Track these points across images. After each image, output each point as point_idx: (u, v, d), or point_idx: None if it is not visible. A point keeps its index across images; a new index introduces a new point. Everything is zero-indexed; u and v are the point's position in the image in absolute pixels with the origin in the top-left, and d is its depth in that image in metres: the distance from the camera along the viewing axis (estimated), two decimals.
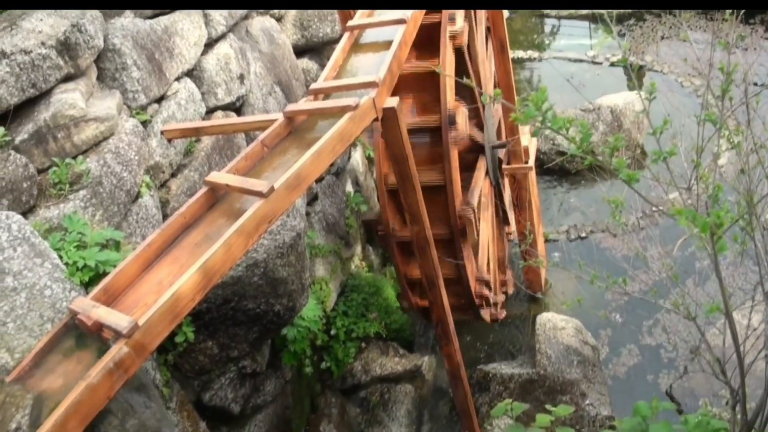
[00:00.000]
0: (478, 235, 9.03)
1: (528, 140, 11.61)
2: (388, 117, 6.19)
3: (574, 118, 3.55)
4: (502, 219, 11.10)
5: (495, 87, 10.67)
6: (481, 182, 9.41)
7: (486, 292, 9.36)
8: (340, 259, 10.01)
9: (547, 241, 12.60)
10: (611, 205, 4.10)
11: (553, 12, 22.50)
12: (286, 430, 8.63)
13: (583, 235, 13.06)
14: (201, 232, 5.44)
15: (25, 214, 5.60)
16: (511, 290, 11.36)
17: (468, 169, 9.38)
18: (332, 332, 9.58)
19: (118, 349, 4.60)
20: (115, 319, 4.72)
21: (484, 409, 9.80)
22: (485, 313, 9.88)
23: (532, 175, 11.59)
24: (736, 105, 3.97)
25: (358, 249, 10.93)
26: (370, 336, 9.96)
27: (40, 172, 5.90)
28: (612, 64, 19.02)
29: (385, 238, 9.29)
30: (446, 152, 8.44)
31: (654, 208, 12.41)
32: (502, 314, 10.76)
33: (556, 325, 10.06)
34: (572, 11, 22.10)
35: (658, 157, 3.67)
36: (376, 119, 6.05)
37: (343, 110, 5.83)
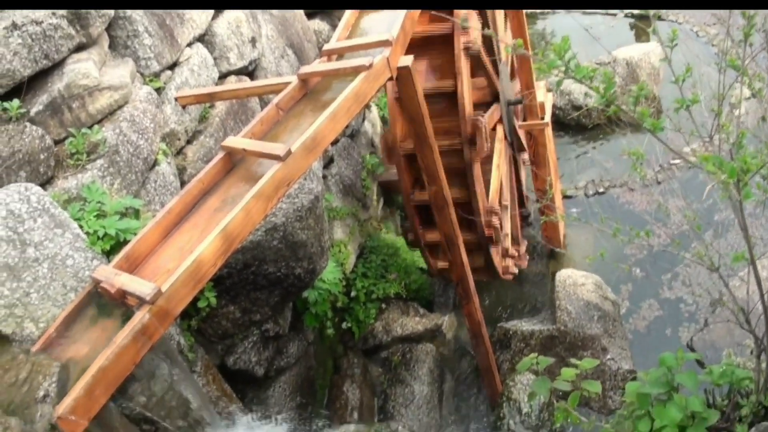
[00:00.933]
0: (488, 148, 8.91)
1: (544, 96, 11.50)
2: (403, 76, 6.14)
3: (596, 68, 3.49)
4: (517, 196, 11.07)
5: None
6: (496, 115, 9.35)
7: (496, 221, 9.26)
8: (358, 221, 10.00)
9: (565, 197, 12.53)
10: (631, 158, 4.05)
11: None
12: (310, 391, 8.70)
13: (601, 190, 12.97)
14: (220, 197, 5.44)
15: (43, 185, 5.62)
16: (525, 265, 11.30)
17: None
18: (352, 294, 9.61)
19: (142, 316, 4.63)
20: (138, 285, 4.75)
21: (505, 366, 9.83)
22: (496, 259, 9.78)
23: (549, 131, 11.48)
24: (757, 50, 3.90)
25: (375, 210, 10.92)
26: (390, 297, 9.99)
27: (56, 143, 5.90)
28: (626, 16, 18.73)
29: (405, 201, 9.29)
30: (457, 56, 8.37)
31: (672, 161, 12.31)
32: (515, 271, 10.73)
33: (576, 281, 10.03)
34: None
35: (680, 105, 3.61)
36: (390, 79, 6.01)
37: (357, 70, 5.78)
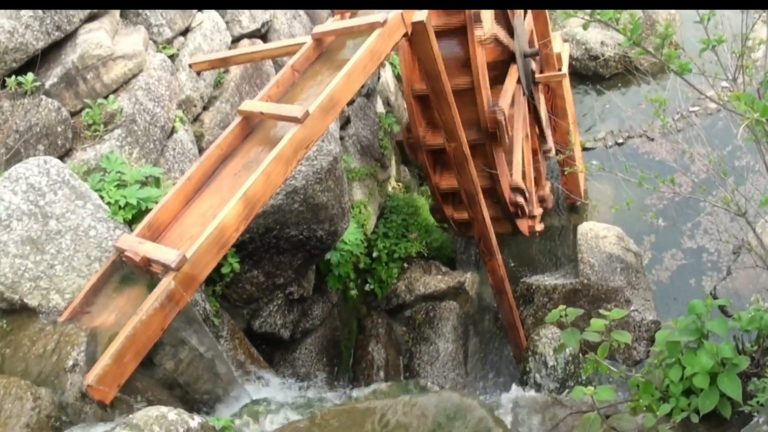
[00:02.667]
0: (510, 137, 8.87)
1: (560, 46, 11.33)
2: (418, 32, 6.06)
3: (620, 12, 3.41)
4: (539, 135, 10.94)
5: None
6: (512, 88, 9.23)
7: (520, 200, 9.25)
8: (376, 182, 9.97)
9: (584, 149, 12.41)
10: (653, 105, 3.98)
11: None
12: (336, 353, 8.75)
13: (621, 141, 12.83)
14: (239, 162, 5.43)
15: (62, 157, 5.63)
16: (550, 205, 11.25)
17: (499, 81, 9.19)
18: (374, 254, 9.61)
19: (167, 283, 4.65)
20: (163, 253, 4.76)
21: (529, 321, 9.82)
22: (522, 225, 9.81)
23: (566, 83, 11.33)
24: None
25: (394, 170, 10.87)
26: (412, 256, 9.98)
27: (73, 114, 5.90)
28: None
29: (414, 147, 9.20)
30: (472, 52, 8.27)
31: (692, 109, 12.16)
32: (540, 227, 10.69)
33: (598, 234, 9.96)
34: None
35: (706, 45, 3.53)
36: (405, 35, 5.93)
37: (372, 27, 5.72)
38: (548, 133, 11.15)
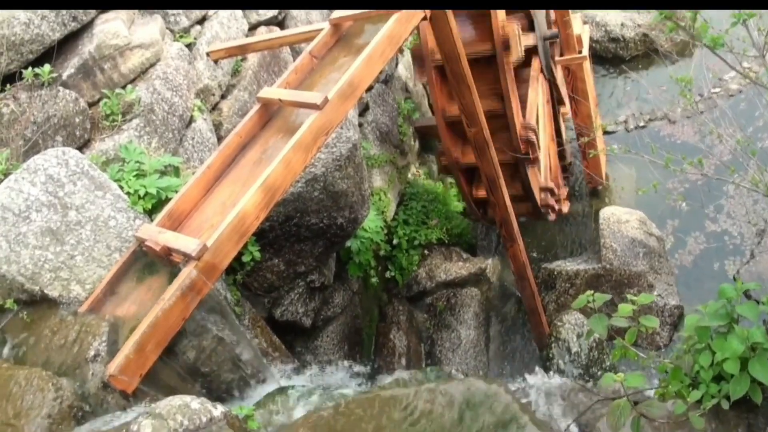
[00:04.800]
0: (539, 150, 8.86)
1: (581, 28, 11.21)
2: (437, 15, 5.99)
3: None
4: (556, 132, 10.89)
5: None
6: (535, 101, 9.19)
7: (552, 201, 9.24)
8: (396, 169, 9.92)
9: (605, 132, 12.29)
10: (679, 84, 3.89)
11: None
12: (357, 340, 8.73)
13: (642, 124, 12.69)
14: (258, 149, 5.40)
15: (80, 148, 5.63)
16: (565, 209, 11.18)
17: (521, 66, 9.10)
18: (394, 242, 9.57)
19: (189, 272, 4.64)
20: (183, 242, 4.74)
21: (551, 307, 9.77)
22: (533, 178, 9.76)
23: (587, 65, 11.21)
24: None
25: (413, 157, 10.82)
26: (432, 242, 9.93)
27: (90, 105, 5.89)
28: None
29: (448, 167, 9.18)
30: (503, 76, 8.22)
31: (713, 90, 12.02)
32: (566, 207, 10.63)
33: (620, 219, 9.88)
34: None
35: (737, 19, 3.44)
36: (424, 18, 5.86)
37: (390, 12, 5.65)
38: (564, 129, 11.13)
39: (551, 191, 9.26)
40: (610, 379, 3.26)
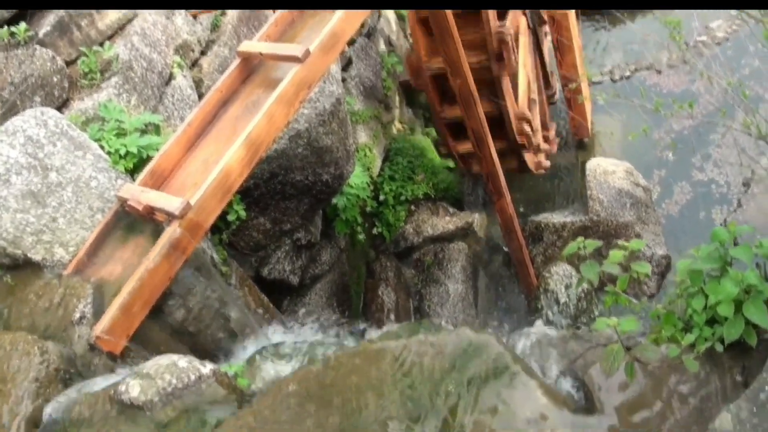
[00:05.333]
0: (516, 61, 8.68)
1: None
2: None
3: None
4: (543, 77, 10.75)
5: None
6: (516, 15, 9.03)
7: (528, 129, 9.08)
8: (381, 124, 9.82)
9: (591, 83, 12.21)
10: (668, 27, 3.82)
11: None
12: (345, 297, 8.71)
13: (627, 74, 12.61)
14: (240, 105, 5.31)
15: (59, 108, 5.51)
16: (555, 148, 11.10)
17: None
18: (381, 198, 9.50)
19: (173, 230, 4.59)
20: (166, 201, 4.68)
21: (539, 260, 9.77)
22: (529, 159, 9.67)
23: (572, 15, 11.07)
24: None
25: (398, 112, 10.71)
26: (419, 198, 9.87)
27: (68, 64, 5.76)
28: None
29: (418, 73, 9.00)
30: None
31: (698, 38, 11.95)
32: (547, 164, 10.57)
33: (607, 170, 9.85)
34: None
35: None
36: None
37: None
38: (553, 77, 10.97)
39: (528, 120, 9.11)
40: (604, 324, 3.23)
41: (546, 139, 10.56)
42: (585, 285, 8.08)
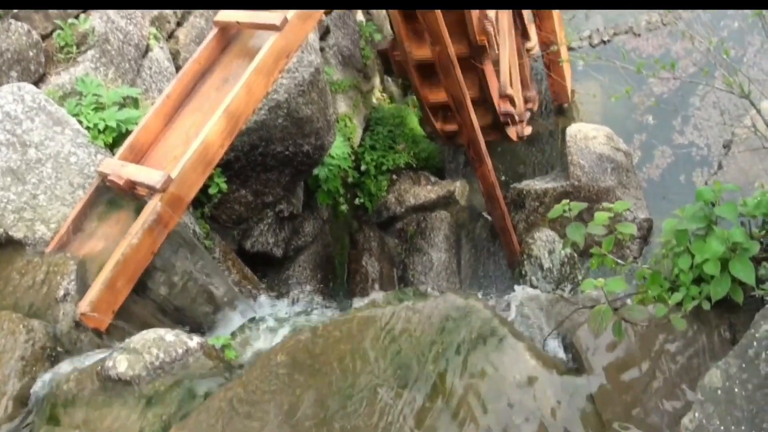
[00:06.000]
0: (498, 48, 8.66)
1: None
2: None
3: None
4: (521, 33, 10.66)
5: None
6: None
7: (511, 108, 9.09)
8: (360, 93, 9.76)
9: (570, 48, 12.16)
10: None
11: None
12: (329, 268, 8.71)
13: (606, 39, 12.56)
14: (218, 76, 5.27)
15: (36, 83, 5.43)
16: (536, 107, 11.08)
17: None
18: (362, 168, 9.47)
19: (154, 205, 4.56)
20: (147, 175, 4.65)
21: (521, 226, 9.79)
22: (511, 131, 9.68)
23: None
24: None
25: (377, 81, 10.64)
26: (401, 167, 9.85)
27: (44, 38, 5.67)
28: None
29: (401, 64, 8.95)
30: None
31: None
32: (528, 131, 10.55)
33: (587, 135, 9.86)
34: None
35: None
36: None
37: None
38: (531, 28, 10.87)
39: (511, 98, 9.07)
40: (591, 285, 3.23)
41: (527, 101, 10.51)
42: (568, 250, 8.11)
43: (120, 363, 3.86)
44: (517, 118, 9.65)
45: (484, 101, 8.93)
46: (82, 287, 4.57)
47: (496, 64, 9.07)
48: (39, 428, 3.84)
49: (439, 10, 6.60)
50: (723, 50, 4.13)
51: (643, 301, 3.60)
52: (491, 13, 8.39)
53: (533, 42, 10.99)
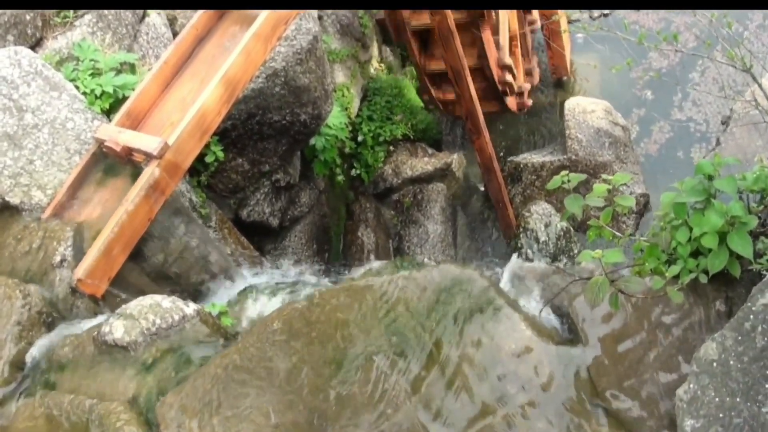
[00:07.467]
0: (497, 13, 8.58)
1: None
2: None
3: None
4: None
5: None
6: None
7: (509, 78, 9.04)
8: (358, 63, 9.68)
9: (569, 21, 12.10)
10: None
11: None
12: (326, 239, 8.70)
13: (606, 12, 12.51)
14: (216, 42, 5.22)
15: (33, 47, 5.38)
16: (537, 80, 11.03)
17: None
18: (359, 138, 9.42)
19: (151, 171, 4.54)
20: (144, 141, 4.62)
21: (517, 200, 9.79)
22: (511, 102, 9.64)
23: None
24: None
25: (375, 51, 10.56)
26: (398, 138, 9.79)
27: None
28: None
29: (399, 28, 8.86)
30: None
31: None
32: (529, 103, 10.52)
33: (586, 109, 9.82)
34: None
35: None
36: None
37: None
38: None
39: (510, 68, 9.03)
40: (588, 256, 3.23)
41: (528, 73, 10.47)
42: (564, 223, 8.12)
43: (116, 328, 3.87)
44: (516, 89, 9.61)
45: (482, 70, 8.88)
46: (79, 253, 4.57)
47: (496, 33, 9.02)
48: (35, 392, 3.86)
49: None
50: (726, 23, 4.10)
51: (640, 273, 3.60)
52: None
53: (534, 15, 10.93)
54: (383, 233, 9.55)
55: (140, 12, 6.11)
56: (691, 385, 2.94)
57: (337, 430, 3.40)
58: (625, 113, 10.46)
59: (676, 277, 3.42)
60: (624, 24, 4.71)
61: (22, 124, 4.78)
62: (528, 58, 10.66)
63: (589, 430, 3.39)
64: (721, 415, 2.86)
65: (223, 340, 4.02)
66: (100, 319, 4.28)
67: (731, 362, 2.91)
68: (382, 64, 10.54)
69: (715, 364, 2.93)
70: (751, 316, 2.95)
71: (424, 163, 9.93)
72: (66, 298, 4.47)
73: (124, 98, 5.18)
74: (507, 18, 9.33)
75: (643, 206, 9.55)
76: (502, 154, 10.79)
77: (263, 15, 4.84)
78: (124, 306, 4.05)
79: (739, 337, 2.92)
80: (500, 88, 9.08)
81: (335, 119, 8.08)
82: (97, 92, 5.18)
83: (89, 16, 5.57)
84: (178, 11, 6.66)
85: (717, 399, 2.86)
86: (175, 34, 6.44)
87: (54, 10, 5.54)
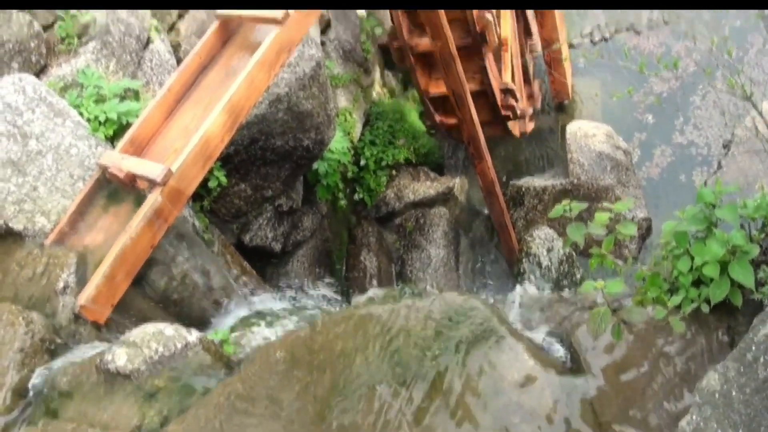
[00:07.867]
0: (499, 39, 8.61)
1: None
2: None
3: None
4: (524, 29, 10.65)
5: None
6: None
7: (512, 102, 9.07)
8: (361, 88, 9.73)
9: (570, 46, 12.15)
10: None
11: None
12: (328, 263, 8.70)
13: (607, 36, 12.55)
14: (220, 70, 5.25)
15: (37, 74, 5.43)
16: (539, 103, 11.07)
17: None
18: (362, 163, 9.45)
19: (154, 198, 4.55)
20: (148, 168, 4.64)
21: (520, 224, 9.80)
22: (513, 127, 9.67)
23: None
24: None
25: (378, 75, 10.61)
26: (400, 163, 9.83)
27: (45, 28, 5.66)
28: None
29: (401, 52, 8.90)
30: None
31: None
32: (531, 126, 10.55)
33: (587, 133, 9.85)
34: None
35: None
36: None
37: None
38: (534, 26, 10.86)
39: (512, 92, 9.06)
40: (590, 287, 3.23)
41: (530, 96, 10.50)
42: (567, 249, 8.13)
43: (119, 357, 3.86)
44: (519, 113, 9.64)
45: (485, 95, 8.91)
46: (82, 280, 4.57)
47: (498, 58, 9.06)
48: (37, 421, 3.85)
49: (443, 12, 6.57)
50: (726, 50, 4.13)
51: (642, 302, 3.60)
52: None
53: (536, 39, 10.97)
54: (385, 257, 9.55)
55: (144, 39, 6.16)
56: (694, 417, 2.93)
57: None
58: (626, 137, 10.48)
59: (678, 307, 3.42)
60: (624, 51, 4.73)
61: (26, 151, 4.80)
62: (529, 83, 10.71)
63: None
64: None
65: (226, 368, 4.02)
66: (103, 346, 4.27)
67: (733, 393, 2.90)
68: (385, 89, 10.58)
69: (717, 395, 2.92)
70: (753, 347, 2.94)
71: (426, 187, 9.95)
72: (69, 324, 4.47)
73: (128, 125, 5.21)
74: (510, 42, 9.38)
75: (646, 230, 9.55)
76: (504, 177, 10.79)
77: (267, 42, 4.87)
78: (127, 334, 4.05)
79: (741, 368, 2.91)
80: (503, 112, 9.10)
81: (338, 144, 8.11)
82: (101, 119, 5.20)
83: (93, 43, 5.61)
84: (181, 37, 6.71)
85: (719, 431, 2.85)
86: (178, 61, 6.49)
87: (59, 38, 5.59)
